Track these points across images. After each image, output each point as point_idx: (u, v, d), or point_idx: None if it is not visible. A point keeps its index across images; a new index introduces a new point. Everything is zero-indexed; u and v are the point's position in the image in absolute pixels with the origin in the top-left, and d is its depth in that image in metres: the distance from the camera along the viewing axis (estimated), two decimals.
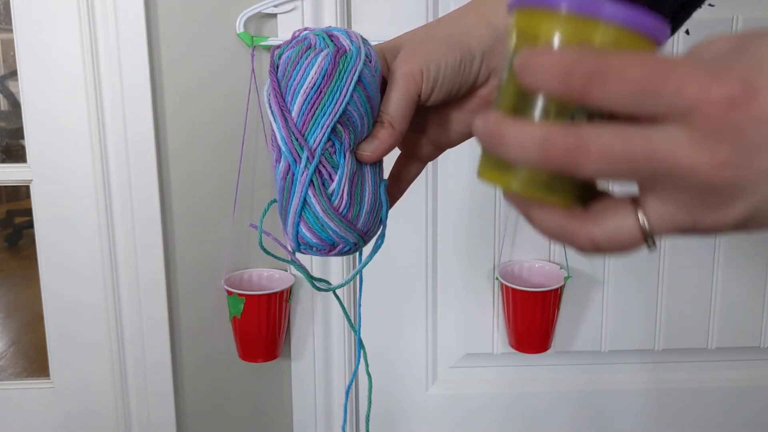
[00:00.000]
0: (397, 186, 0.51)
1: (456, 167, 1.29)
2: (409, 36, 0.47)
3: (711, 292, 1.37)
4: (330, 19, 1.21)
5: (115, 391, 1.33)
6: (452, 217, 1.32)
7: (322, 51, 0.43)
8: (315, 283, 0.50)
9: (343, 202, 0.44)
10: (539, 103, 0.31)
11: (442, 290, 1.36)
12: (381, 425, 1.41)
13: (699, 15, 0.49)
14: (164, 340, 1.30)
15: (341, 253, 0.47)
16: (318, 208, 0.44)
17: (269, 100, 0.43)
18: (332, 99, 0.42)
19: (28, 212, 1.29)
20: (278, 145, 0.43)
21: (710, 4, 0.45)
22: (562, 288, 1.26)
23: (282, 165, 0.44)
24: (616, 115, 0.28)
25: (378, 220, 0.47)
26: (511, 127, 0.29)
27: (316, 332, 1.33)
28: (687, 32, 1.25)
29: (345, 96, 0.42)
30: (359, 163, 0.45)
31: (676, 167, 0.27)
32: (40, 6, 1.18)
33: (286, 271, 1.29)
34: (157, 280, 1.27)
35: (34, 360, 2.12)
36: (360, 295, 0.55)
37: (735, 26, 1.26)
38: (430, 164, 1.33)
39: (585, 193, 0.32)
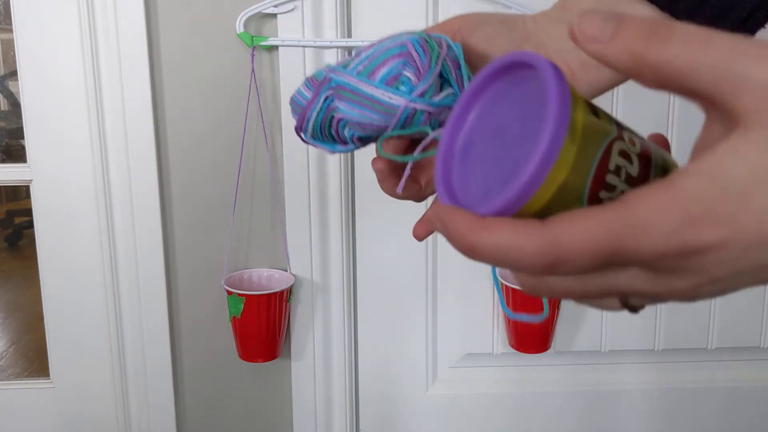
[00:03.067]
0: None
1: None
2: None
3: None
4: (330, 20, 1.21)
5: (115, 391, 1.33)
6: None
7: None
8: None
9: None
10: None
11: (442, 290, 1.36)
12: (381, 425, 1.41)
13: None
14: (164, 340, 1.30)
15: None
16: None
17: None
18: None
19: (28, 212, 1.29)
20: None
21: None
22: None
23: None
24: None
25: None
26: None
27: (316, 332, 1.33)
28: None
29: None
30: None
31: (637, 293, 0.29)
32: (40, 6, 1.18)
33: (286, 270, 1.29)
34: (158, 280, 1.28)
35: (34, 360, 2.12)
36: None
37: None
38: None
39: None
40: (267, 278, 1.30)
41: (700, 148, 0.28)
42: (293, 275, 1.28)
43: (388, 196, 0.46)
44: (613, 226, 0.26)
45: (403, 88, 0.40)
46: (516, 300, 1.25)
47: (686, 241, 0.25)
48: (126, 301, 1.29)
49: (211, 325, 1.32)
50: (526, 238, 0.26)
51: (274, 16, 1.21)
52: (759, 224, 0.25)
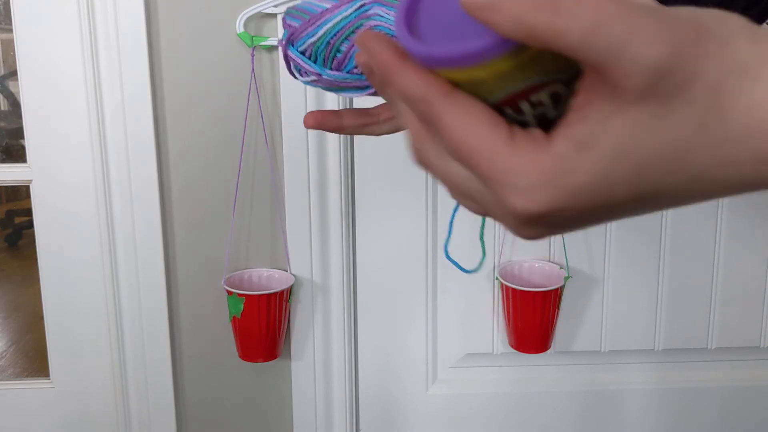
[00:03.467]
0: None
1: None
2: None
3: (711, 292, 1.37)
4: None
5: (115, 391, 1.33)
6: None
7: None
8: None
9: None
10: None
11: (442, 290, 1.36)
12: (380, 425, 1.41)
13: None
14: (164, 340, 1.30)
15: None
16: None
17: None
18: None
19: (28, 212, 1.29)
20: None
21: None
22: (562, 288, 1.26)
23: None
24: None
25: None
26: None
27: (316, 332, 1.33)
28: None
29: None
30: None
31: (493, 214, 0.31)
32: (40, 6, 1.18)
33: (286, 270, 1.29)
34: (158, 280, 1.27)
35: (34, 360, 2.12)
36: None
37: None
38: None
39: None
40: (267, 278, 1.30)
41: (577, 110, 0.27)
42: (293, 275, 1.28)
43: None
44: (485, 147, 0.27)
45: None
46: (516, 300, 1.26)
47: (534, 202, 0.26)
48: (126, 301, 1.29)
49: (211, 325, 1.32)
50: (422, 98, 0.28)
51: (274, 16, 1.21)
52: (608, 194, 0.26)
